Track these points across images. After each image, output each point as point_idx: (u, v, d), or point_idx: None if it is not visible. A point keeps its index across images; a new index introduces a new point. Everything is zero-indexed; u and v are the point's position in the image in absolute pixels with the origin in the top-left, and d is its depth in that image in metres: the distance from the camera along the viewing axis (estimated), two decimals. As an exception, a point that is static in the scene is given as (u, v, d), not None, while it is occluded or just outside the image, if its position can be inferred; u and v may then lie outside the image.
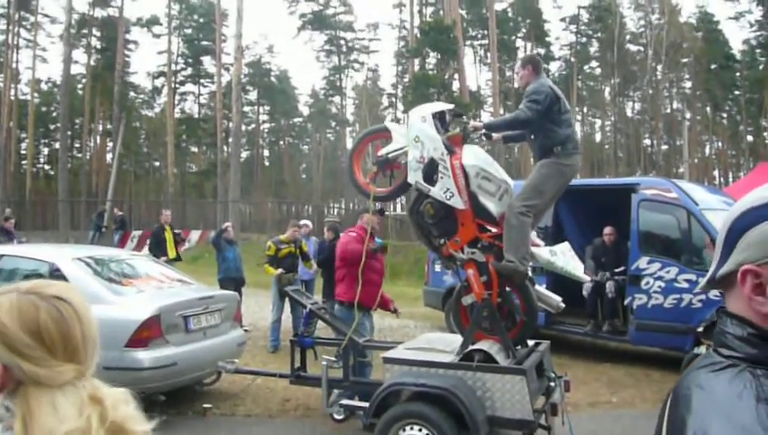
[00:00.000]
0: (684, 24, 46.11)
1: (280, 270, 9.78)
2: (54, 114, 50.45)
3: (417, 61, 37.58)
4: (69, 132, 42.30)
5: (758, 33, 47.52)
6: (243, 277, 11.33)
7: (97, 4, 46.99)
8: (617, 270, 9.38)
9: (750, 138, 51.78)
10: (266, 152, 63.95)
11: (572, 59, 52.76)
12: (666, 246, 9.02)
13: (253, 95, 57.41)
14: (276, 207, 47.27)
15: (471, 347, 5.22)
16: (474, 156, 5.27)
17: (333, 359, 6.14)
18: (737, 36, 68.38)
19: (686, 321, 8.24)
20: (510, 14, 52.93)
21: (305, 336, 6.63)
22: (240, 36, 30.81)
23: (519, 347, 5.43)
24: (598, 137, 58.60)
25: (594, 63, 53.96)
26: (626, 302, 9.00)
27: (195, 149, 55.95)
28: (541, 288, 5.88)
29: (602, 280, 9.39)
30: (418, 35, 37.35)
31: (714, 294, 7.82)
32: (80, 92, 48.52)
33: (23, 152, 50.61)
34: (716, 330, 1.07)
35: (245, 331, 8.53)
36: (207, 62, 52.22)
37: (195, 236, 26.24)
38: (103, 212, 23.91)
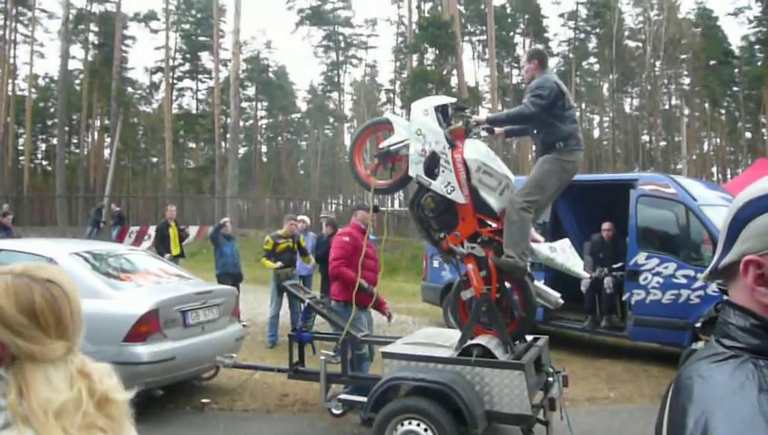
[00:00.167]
0: (683, 20, 46.10)
1: (278, 263, 9.78)
2: (52, 110, 50.27)
3: (415, 56, 37.48)
4: (66, 128, 42.17)
5: (757, 30, 47.54)
6: (240, 273, 11.31)
7: (94, -1, 46.91)
8: (615, 266, 9.39)
9: (748, 134, 51.87)
10: (264, 148, 63.86)
11: (571, 55, 52.74)
12: (664, 241, 9.03)
13: (251, 91, 57.31)
14: (274, 203, 47.23)
15: (469, 342, 5.22)
16: (475, 150, 5.26)
17: (332, 354, 6.14)
18: (736, 32, 68.61)
19: (684, 316, 8.25)
20: (508, 10, 52.93)
21: (303, 331, 6.63)
22: (238, 32, 30.81)
23: (517, 342, 5.43)
24: (596, 133, 58.64)
25: (593, 59, 53.98)
26: (624, 297, 9.00)
27: (193, 145, 55.83)
28: (539, 284, 5.88)
29: (600, 276, 9.40)
30: (417, 31, 37.27)
31: (712, 289, 7.83)
32: (77, 88, 48.45)
33: (20, 148, 50.42)
34: (719, 320, 1.06)
35: (244, 326, 8.53)
36: (205, 58, 52.08)
37: (192, 231, 26.18)
38: (101, 208, 23.91)
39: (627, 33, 49.15)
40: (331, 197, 54.23)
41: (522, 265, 5.08)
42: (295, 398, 7.24)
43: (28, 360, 1.23)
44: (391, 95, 55.82)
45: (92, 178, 47.62)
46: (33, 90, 49.90)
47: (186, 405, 7.05)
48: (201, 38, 50.39)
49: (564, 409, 5.42)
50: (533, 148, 6.56)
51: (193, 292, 7.03)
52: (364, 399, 5.47)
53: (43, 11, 48.57)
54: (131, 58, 62.76)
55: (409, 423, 4.98)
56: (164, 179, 46.91)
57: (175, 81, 51.89)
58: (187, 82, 54.42)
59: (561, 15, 53.59)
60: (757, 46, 47.78)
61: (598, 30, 51.12)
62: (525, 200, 5.10)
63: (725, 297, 1.08)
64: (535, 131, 5.43)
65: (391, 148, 5.55)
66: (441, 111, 5.44)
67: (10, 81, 45.84)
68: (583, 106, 55.47)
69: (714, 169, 56.92)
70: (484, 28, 47.08)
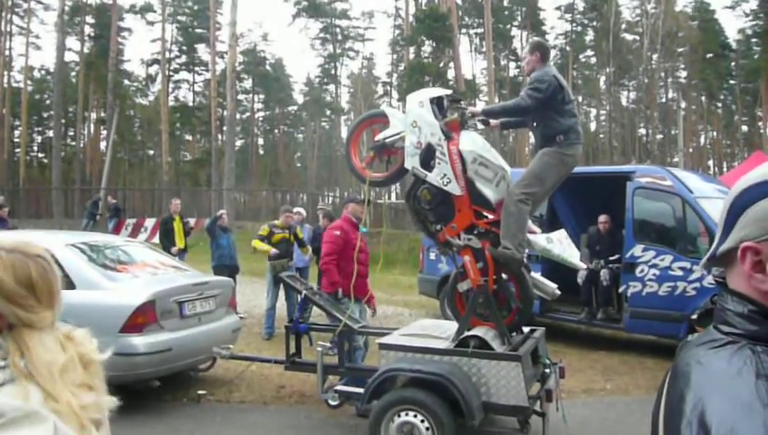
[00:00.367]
0: (680, 13, 45.95)
1: (273, 250, 9.76)
2: (48, 102, 50.10)
3: (412, 49, 37.47)
4: (62, 120, 42.05)
5: (754, 23, 47.58)
6: (237, 265, 11.32)
7: (90, -10, 46.72)
8: (611, 258, 9.40)
9: (745, 127, 51.97)
10: (261, 141, 63.84)
11: (568, 48, 52.72)
12: (660, 233, 9.04)
13: (247, 83, 57.28)
14: (271, 195, 47.10)
15: (466, 333, 5.23)
16: (471, 142, 5.25)
17: (328, 345, 6.15)
18: (733, 25, 68.57)
19: (680, 308, 8.27)
20: (505, 3, 52.84)
21: (300, 322, 6.64)
22: (234, 24, 30.69)
23: (514, 334, 5.44)
24: (593, 126, 58.59)
25: (589, 52, 53.99)
26: (620, 290, 9.01)
27: (189, 138, 55.75)
28: (536, 275, 5.89)
29: (597, 268, 9.42)
30: (414, 23, 37.22)
31: (708, 282, 7.85)
32: (73, 80, 48.27)
33: (16, 140, 50.30)
34: (717, 307, 1.06)
35: (240, 317, 8.53)
36: (202, 50, 52.05)
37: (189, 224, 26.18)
38: (98, 200, 23.82)
39: (624, 25, 49.03)
40: (328, 189, 54.16)
41: (518, 257, 5.09)
42: (292, 389, 7.25)
43: (26, 327, 1.38)
44: (388, 88, 55.86)
45: (88, 171, 47.53)
46: (28, 82, 49.83)
47: (182, 397, 7.05)
48: (198, 30, 50.33)
49: (560, 400, 5.44)
50: (531, 140, 6.55)
51: (190, 283, 7.03)
52: (361, 390, 5.48)
53: (39, 2, 48.34)
54: (128, 50, 62.41)
55: (406, 414, 4.98)
56: (160, 172, 46.87)
57: (171, 73, 51.76)
58: (184, 75, 54.44)
59: (558, 8, 53.66)
60: (754, 39, 47.83)
61: (595, 23, 51.12)
62: (524, 192, 5.10)
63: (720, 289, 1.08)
64: (535, 124, 5.42)
65: (387, 140, 5.55)
66: (436, 102, 5.44)
67: (6, 72, 45.64)
68: (580, 99, 55.41)
69: (710, 162, 56.99)
70: (481, 20, 47.10)
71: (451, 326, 5.64)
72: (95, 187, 36.11)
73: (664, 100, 51.27)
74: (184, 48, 52.32)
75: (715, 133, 57.21)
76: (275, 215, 14.71)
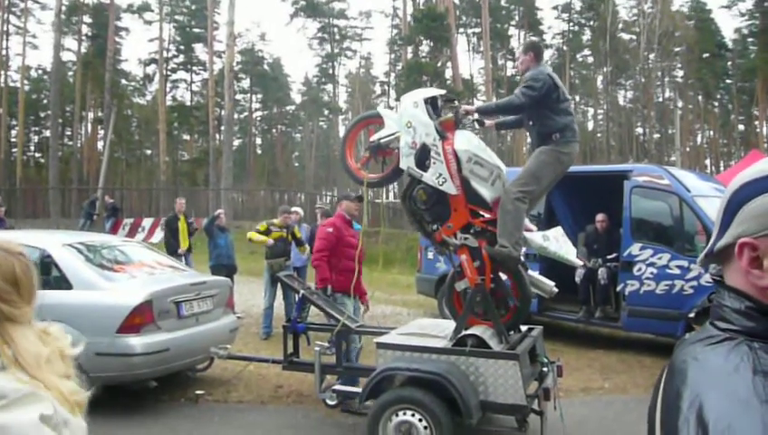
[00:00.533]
0: (676, 13, 46.04)
1: (270, 240, 9.73)
2: (45, 102, 50.10)
3: (410, 48, 37.48)
4: (59, 120, 42.01)
5: (750, 22, 47.67)
6: (234, 265, 11.30)
7: (87, -11, 46.66)
8: (609, 257, 9.40)
9: (741, 126, 52.03)
10: (259, 140, 63.83)
11: (565, 47, 52.81)
12: (658, 232, 9.04)
13: (245, 83, 57.23)
14: (269, 195, 47.07)
15: (464, 332, 5.23)
16: (466, 141, 5.26)
17: (326, 345, 6.14)
18: (729, 25, 68.59)
19: (677, 307, 8.28)
20: (503, 2, 52.87)
21: (298, 322, 6.64)
22: (232, 23, 30.70)
23: (512, 332, 5.44)
24: (590, 125, 58.68)
25: (587, 52, 54.00)
26: (618, 288, 9.02)
27: (187, 137, 55.71)
28: (534, 273, 5.89)
29: (595, 267, 9.42)
30: (411, 23, 37.22)
31: (705, 280, 7.86)
32: (70, 80, 48.18)
33: (13, 140, 50.24)
34: (714, 303, 1.06)
35: (238, 317, 8.52)
36: (199, 50, 51.99)
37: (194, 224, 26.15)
38: (95, 200, 23.74)
39: (621, 25, 49.07)
40: (326, 188, 54.10)
41: (515, 255, 5.09)
42: (290, 389, 7.24)
43: (8, 322, 1.41)
44: (386, 87, 55.82)
45: (86, 171, 47.44)
46: (25, 81, 49.72)
47: (180, 397, 7.04)
48: (195, 30, 50.30)
49: (558, 399, 5.44)
50: (528, 140, 6.57)
51: (187, 283, 7.01)
52: (359, 390, 5.47)
53: (36, 2, 48.32)
54: (125, 50, 62.33)
55: (404, 414, 4.98)
56: (158, 171, 46.85)
57: (169, 72, 51.74)
58: (182, 74, 54.39)
59: (556, 8, 53.70)
60: (750, 39, 47.89)
61: (592, 22, 51.15)
62: (521, 190, 5.10)
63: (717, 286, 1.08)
64: (531, 123, 5.43)
65: (382, 141, 5.57)
66: (431, 102, 5.46)
67: (2, 72, 45.60)
68: (577, 98, 55.51)
69: (707, 161, 57.06)
70: (478, 20, 47.09)
71: (449, 325, 5.63)
72: (92, 186, 36.03)
73: (661, 99, 51.28)
74: (181, 48, 52.28)
75: (711, 132, 57.33)
76: (273, 214, 14.72)
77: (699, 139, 58.27)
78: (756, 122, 50.25)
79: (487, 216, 5.29)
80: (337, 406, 6.21)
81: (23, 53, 47.79)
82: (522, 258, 5.40)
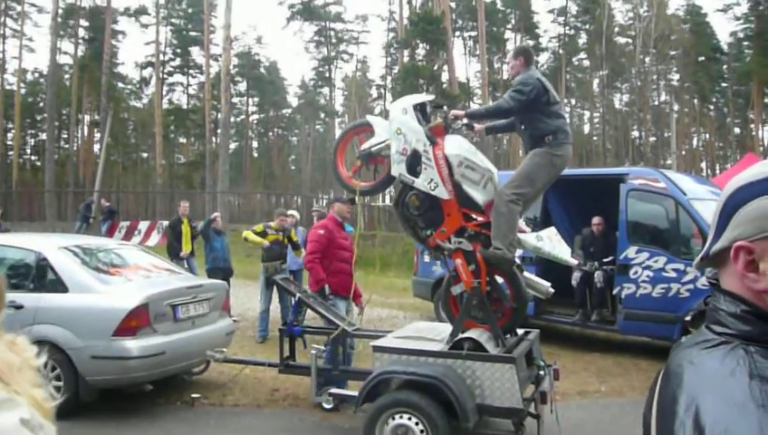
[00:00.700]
0: (672, 17, 46.23)
1: (265, 243, 9.71)
2: (41, 105, 49.92)
3: (406, 52, 37.48)
4: (56, 123, 41.87)
5: (745, 26, 47.75)
6: (231, 268, 11.28)
7: (84, -7, 46.61)
8: (605, 260, 9.41)
9: (737, 130, 52.13)
10: (255, 143, 63.78)
11: (561, 51, 52.86)
12: (654, 235, 9.05)
13: (242, 86, 57.22)
14: (265, 198, 47.09)
15: (460, 336, 5.23)
16: (456, 145, 5.28)
17: (322, 348, 6.14)
18: (725, 29, 69.02)
19: (674, 310, 8.29)
20: (499, 6, 52.95)
21: (294, 325, 6.63)
22: (229, 27, 30.67)
23: (508, 336, 5.44)
24: (586, 128, 58.81)
25: (582, 55, 54.10)
26: (614, 291, 9.03)
27: (183, 141, 55.69)
28: (529, 274, 5.90)
29: (591, 270, 9.42)
30: (408, 26, 37.23)
31: (702, 283, 7.86)
32: (67, 83, 48.14)
33: (9, 143, 50.12)
34: (709, 307, 1.06)
35: (234, 321, 8.51)
36: (196, 53, 52.03)
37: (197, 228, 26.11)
38: (91, 203, 23.76)
39: (616, 29, 49.23)
40: (322, 192, 54.07)
41: (510, 257, 5.10)
42: (286, 392, 7.22)
43: None
44: (382, 91, 55.90)
45: (82, 174, 47.37)
46: (22, 84, 49.62)
47: (176, 400, 7.01)
48: (192, 33, 50.27)
49: (555, 402, 5.44)
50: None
51: (183, 286, 7.00)
52: (355, 393, 5.47)
53: (33, 5, 48.32)
54: (121, 53, 62.51)
55: (401, 417, 4.97)
56: (154, 175, 46.77)
57: (165, 76, 51.72)
58: (178, 78, 54.38)
59: (552, 11, 53.80)
60: (745, 42, 48.00)
61: (588, 26, 51.23)
62: (514, 193, 5.11)
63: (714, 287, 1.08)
64: (522, 127, 5.45)
65: (372, 149, 5.59)
66: (420, 109, 5.48)
67: (-1, 75, 45.54)
68: (573, 102, 55.65)
69: (703, 165, 57.18)
70: (474, 24, 47.13)
71: (445, 329, 5.63)
72: (88, 189, 35.96)
73: (657, 102, 51.51)
74: (178, 51, 52.27)
75: (707, 136, 57.40)
76: (269, 218, 14.67)
77: (695, 142, 58.41)
78: (752, 126, 50.36)
79: (480, 219, 5.29)
80: (333, 410, 6.21)
81: (19, 56, 47.72)
82: (517, 260, 5.40)
